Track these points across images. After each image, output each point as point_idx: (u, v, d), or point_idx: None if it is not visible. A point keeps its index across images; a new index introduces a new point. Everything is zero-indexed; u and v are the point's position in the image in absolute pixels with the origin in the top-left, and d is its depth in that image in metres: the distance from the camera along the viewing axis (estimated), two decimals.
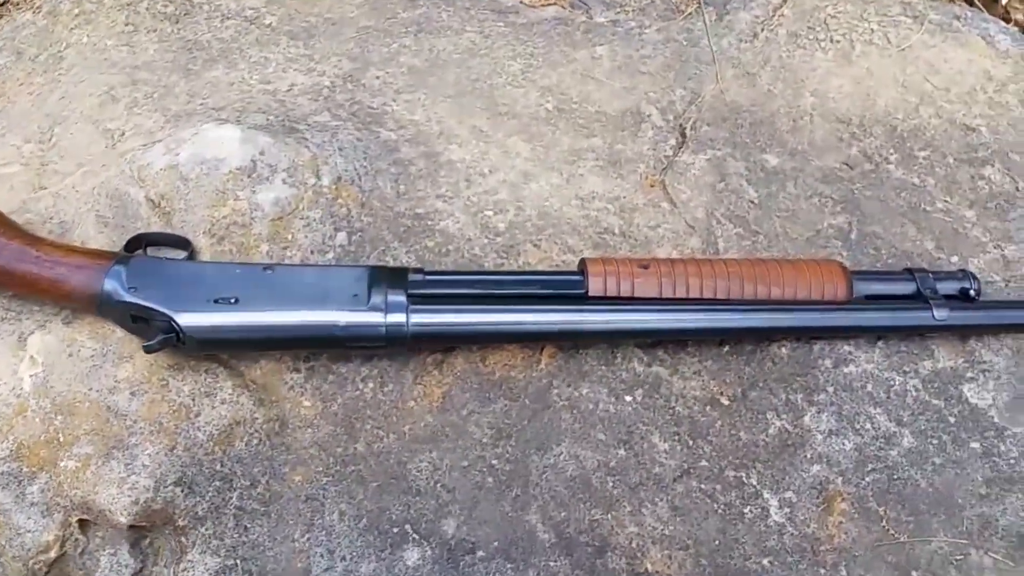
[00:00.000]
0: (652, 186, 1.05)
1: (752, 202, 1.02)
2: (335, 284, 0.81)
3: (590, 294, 0.84)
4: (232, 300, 0.79)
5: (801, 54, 1.18)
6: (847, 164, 1.06)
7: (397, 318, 0.79)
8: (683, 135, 1.10)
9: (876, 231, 1.00)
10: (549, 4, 1.30)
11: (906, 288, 0.90)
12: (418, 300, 0.81)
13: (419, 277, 0.83)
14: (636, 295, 0.85)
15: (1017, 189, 1.04)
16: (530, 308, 0.83)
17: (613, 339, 0.87)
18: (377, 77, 1.14)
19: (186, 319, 0.77)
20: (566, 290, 0.85)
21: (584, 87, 1.15)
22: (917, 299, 0.89)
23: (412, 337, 0.80)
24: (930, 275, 0.90)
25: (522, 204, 1.00)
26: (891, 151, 1.07)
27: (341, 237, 0.92)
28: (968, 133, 1.09)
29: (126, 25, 1.22)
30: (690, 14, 1.26)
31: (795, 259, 0.90)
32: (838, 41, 1.18)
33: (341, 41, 1.20)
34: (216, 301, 0.78)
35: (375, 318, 0.79)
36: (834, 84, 1.14)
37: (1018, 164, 1.06)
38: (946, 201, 1.03)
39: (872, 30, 1.19)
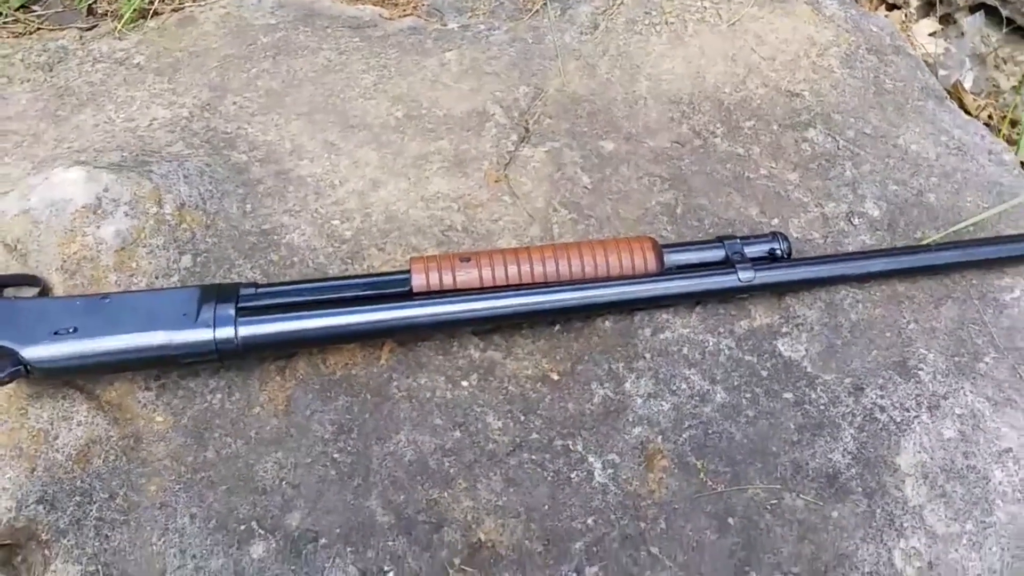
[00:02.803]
0: (497, 181, 1.10)
1: (586, 187, 1.08)
2: (166, 306, 0.86)
3: (414, 290, 0.90)
4: (71, 330, 0.85)
5: (637, 40, 1.24)
6: (677, 142, 1.12)
7: (226, 332, 0.85)
8: (527, 130, 1.16)
9: (702, 203, 1.06)
10: (406, 15, 1.36)
11: (715, 255, 0.96)
12: (249, 312, 0.87)
13: (251, 291, 0.89)
14: (459, 287, 0.91)
15: (838, 147, 1.10)
16: (356, 309, 0.89)
17: (439, 330, 0.93)
18: (234, 103, 1.20)
19: (30, 352, 0.83)
20: (392, 289, 0.91)
21: (433, 93, 1.21)
22: (725, 264, 0.94)
23: (243, 348, 0.86)
24: (738, 240, 0.96)
25: (369, 211, 1.06)
26: (718, 125, 1.13)
27: (186, 260, 0.98)
28: (792, 99, 1.15)
29: (1, 78, 1.28)
30: (536, 11, 1.32)
31: (608, 239, 0.96)
32: (672, 23, 1.24)
33: (204, 72, 1.26)
34: (57, 333, 0.84)
35: (204, 334, 0.85)
36: (667, 66, 1.20)
37: (839, 123, 1.12)
38: (771, 167, 1.09)
39: (705, 8, 1.25)
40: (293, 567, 0.83)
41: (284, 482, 0.87)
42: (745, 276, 0.93)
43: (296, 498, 0.87)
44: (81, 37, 1.36)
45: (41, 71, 1.28)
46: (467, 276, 0.91)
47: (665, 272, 0.94)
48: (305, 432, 0.89)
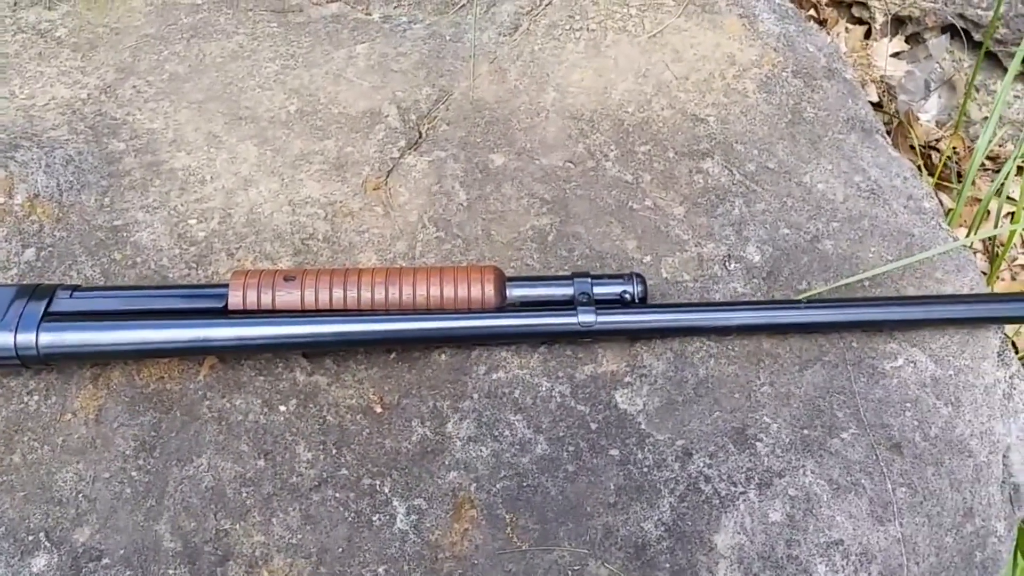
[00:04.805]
0: (376, 189, 1.05)
1: (461, 204, 1.02)
2: None
3: (229, 307, 0.87)
4: None
5: (553, 47, 1.16)
6: (571, 162, 1.05)
7: (28, 338, 0.83)
8: (420, 135, 1.10)
9: (578, 231, 0.99)
10: (333, 1, 1.30)
11: (563, 293, 0.89)
12: (58, 318, 0.85)
13: (66, 295, 0.87)
14: (277, 308, 0.87)
15: (733, 181, 1.02)
16: (163, 324, 0.85)
17: (252, 352, 0.89)
18: (134, 87, 1.17)
19: None
20: (210, 304, 0.88)
21: (334, 88, 1.16)
22: (568, 304, 0.88)
23: (44, 357, 0.84)
24: (590, 279, 0.89)
25: (231, 211, 1.02)
26: (613, 147, 1.05)
27: (29, 254, 0.96)
28: (696, 124, 1.06)
29: None
30: (463, 5, 1.25)
31: (448, 266, 0.90)
32: (593, 30, 1.16)
33: (118, 51, 1.24)
34: None
35: (5, 339, 0.83)
36: (576, 77, 1.12)
37: (740, 154, 1.03)
38: (659, 198, 1.01)
39: (630, 15, 1.17)
40: None
41: (81, 495, 0.85)
42: (585, 319, 0.86)
43: (89, 513, 0.85)
44: (15, 3, 1.35)
45: None
46: (288, 297, 0.87)
47: (504, 308, 0.88)
48: (109, 445, 0.87)
